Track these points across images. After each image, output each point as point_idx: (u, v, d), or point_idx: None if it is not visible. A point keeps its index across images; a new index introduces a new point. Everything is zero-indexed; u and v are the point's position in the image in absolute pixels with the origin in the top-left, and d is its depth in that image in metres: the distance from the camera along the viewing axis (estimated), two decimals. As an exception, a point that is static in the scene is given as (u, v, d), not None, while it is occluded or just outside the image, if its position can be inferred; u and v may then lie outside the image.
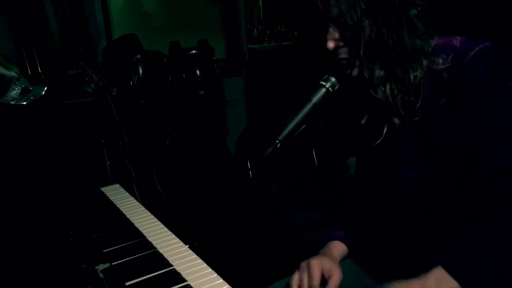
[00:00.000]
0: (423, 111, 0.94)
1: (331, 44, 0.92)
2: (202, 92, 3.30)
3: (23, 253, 1.00)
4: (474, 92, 0.88)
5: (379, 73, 0.92)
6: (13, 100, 2.59)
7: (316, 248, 1.16)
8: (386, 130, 0.98)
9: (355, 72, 0.93)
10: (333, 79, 0.95)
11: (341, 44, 0.92)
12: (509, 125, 0.87)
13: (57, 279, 0.88)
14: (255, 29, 5.23)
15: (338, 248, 1.15)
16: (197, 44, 3.47)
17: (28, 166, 2.42)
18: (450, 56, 0.90)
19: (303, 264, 1.06)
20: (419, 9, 0.91)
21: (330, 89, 0.95)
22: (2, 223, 1.15)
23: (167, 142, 3.02)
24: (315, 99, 0.94)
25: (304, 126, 0.95)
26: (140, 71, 2.99)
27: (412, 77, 0.91)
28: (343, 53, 0.93)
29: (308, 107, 0.94)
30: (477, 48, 0.89)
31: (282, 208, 3.11)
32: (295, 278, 1.05)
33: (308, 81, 1.00)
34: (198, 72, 3.28)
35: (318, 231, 2.49)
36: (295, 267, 1.07)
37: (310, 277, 1.03)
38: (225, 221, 2.87)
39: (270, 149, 0.93)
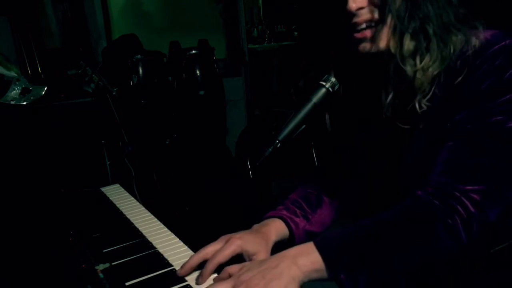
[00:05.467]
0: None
1: (353, 5, 0.83)
2: (202, 92, 3.29)
3: (23, 253, 1.00)
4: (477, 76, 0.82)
5: (409, 44, 0.85)
6: (13, 100, 2.59)
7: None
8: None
9: (378, 44, 0.86)
10: (333, 79, 0.95)
11: (365, 5, 0.85)
12: (472, 129, 0.82)
13: (57, 279, 0.88)
14: (255, 29, 5.24)
15: (278, 227, 1.03)
16: (197, 44, 3.47)
17: (28, 166, 2.41)
18: (477, 46, 0.85)
19: (222, 238, 0.91)
20: None
21: (330, 89, 0.95)
22: (1, 223, 1.15)
23: (167, 142, 3.01)
24: (315, 99, 0.94)
25: (304, 126, 0.95)
26: (140, 71, 2.99)
27: (452, 50, 0.84)
28: (365, 15, 0.85)
29: (308, 107, 0.94)
30: (503, 43, 0.84)
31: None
32: (204, 250, 0.88)
33: (308, 81, 0.99)
34: (198, 72, 3.27)
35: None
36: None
37: (218, 253, 0.87)
38: (225, 221, 2.87)
39: (270, 149, 0.92)
